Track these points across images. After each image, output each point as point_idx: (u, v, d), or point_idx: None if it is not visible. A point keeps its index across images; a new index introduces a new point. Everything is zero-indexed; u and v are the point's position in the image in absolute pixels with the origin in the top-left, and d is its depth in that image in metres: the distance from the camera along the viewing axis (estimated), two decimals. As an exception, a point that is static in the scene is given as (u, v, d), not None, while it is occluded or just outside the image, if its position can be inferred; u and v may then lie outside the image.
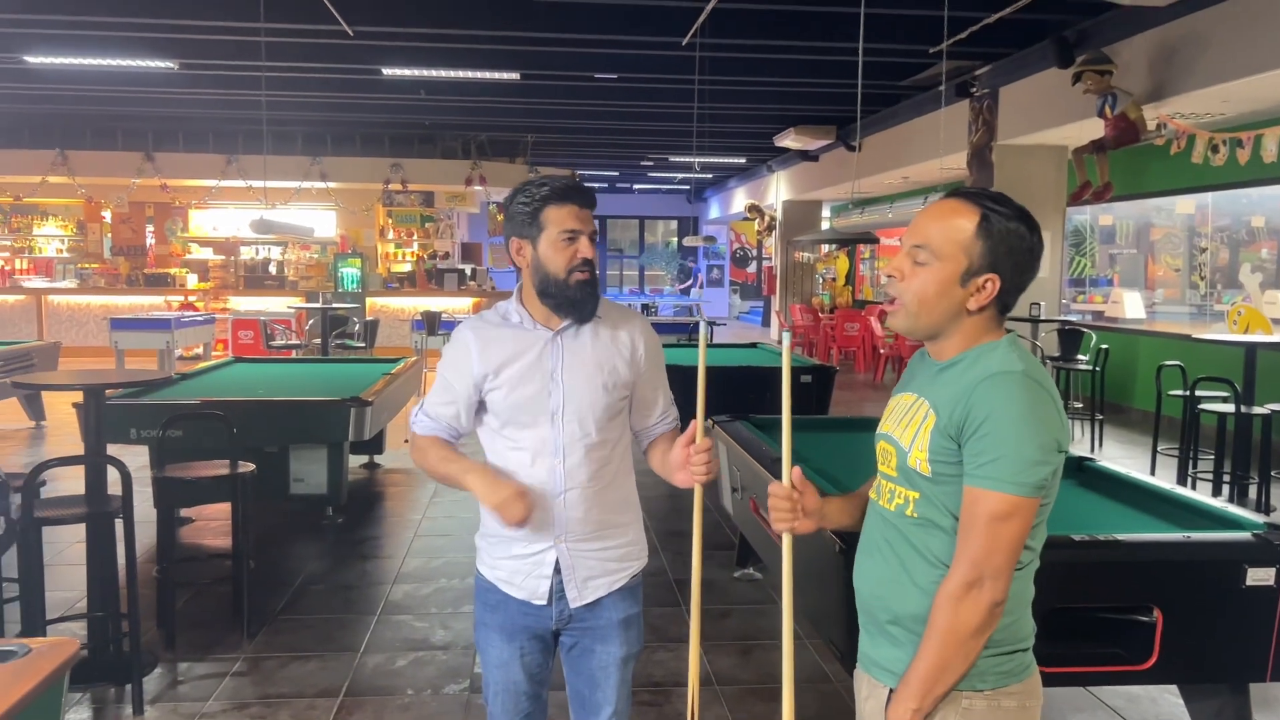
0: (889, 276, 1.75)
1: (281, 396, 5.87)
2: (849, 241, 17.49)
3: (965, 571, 1.61)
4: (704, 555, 5.53)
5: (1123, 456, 8.13)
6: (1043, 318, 9.47)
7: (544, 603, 2.18)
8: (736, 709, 3.63)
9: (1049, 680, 2.91)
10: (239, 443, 4.42)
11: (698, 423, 2.09)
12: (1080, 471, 3.89)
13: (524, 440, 2.16)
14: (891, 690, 1.72)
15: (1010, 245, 1.68)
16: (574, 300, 2.15)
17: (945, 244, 1.68)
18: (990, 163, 10.43)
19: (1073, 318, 11.59)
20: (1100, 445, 8.52)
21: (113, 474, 3.72)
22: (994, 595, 1.61)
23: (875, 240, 16.53)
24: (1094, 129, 8.20)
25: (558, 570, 2.17)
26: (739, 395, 7.22)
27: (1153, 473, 7.21)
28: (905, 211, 15.90)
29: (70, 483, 5.02)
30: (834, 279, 18.80)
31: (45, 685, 1.90)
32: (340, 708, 3.59)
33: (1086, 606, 2.88)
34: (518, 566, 2.19)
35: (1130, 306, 11.24)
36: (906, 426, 1.74)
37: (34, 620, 3.49)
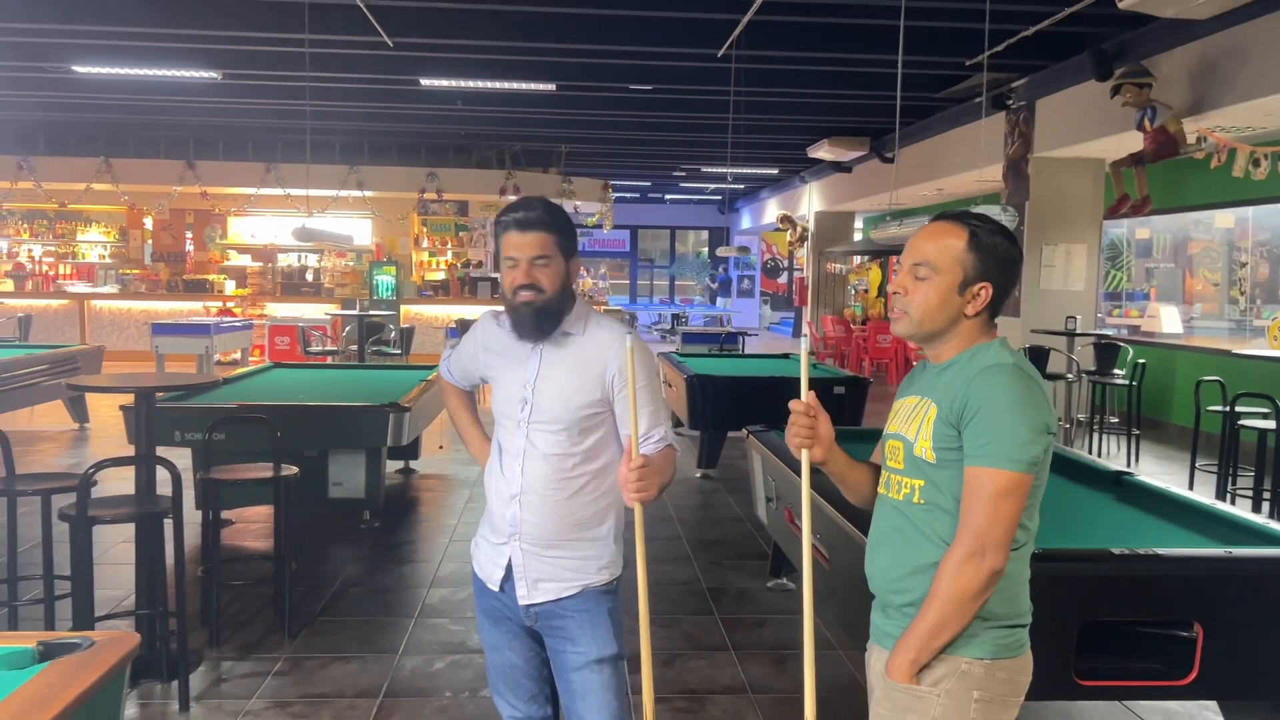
0: (894, 293, 1.98)
1: (321, 402, 5.96)
2: (882, 253, 17.48)
3: (968, 542, 1.81)
4: (736, 565, 5.58)
5: (1160, 472, 8.05)
6: (1079, 331, 9.39)
7: (497, 589, 2.33)
8: (771, 717, 3.65)
9: (1088, 694, 2.92)
10: (280, 447, 4.51)
11: (632, 440, 2.19)
12: (1118, 485, 3.87)
13: (502, 438, 2.36)
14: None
15: (997, 256, 1.93)
16: (521, 320, 2.29)
17: (942, 259, 1.93)
18: (1026, 175, 10.39)
19: (1108, 332, 11.50)
20: (1137, 460, 8.44)
21: (160, 474, 3.82)
22: (994, 564, 1.80)
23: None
24: (1132, 142, 8.15)
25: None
26: (771, 405, 7.24)
27: (1190, 489, 7.14)
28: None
29: (114, 483, 5.13)
30: (866, 290, 18.75)
31: (109, 677, 1.97)
32: (380, 708, 3.64)
33: (1126, 620, 2.87)
34: (487, 553, 2.37)
35: (1167, 321, 11.13)
36: (911, 422, 1.96)
37: (84, 616, 3.58)
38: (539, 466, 2.27)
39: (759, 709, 3.71)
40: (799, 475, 3.91)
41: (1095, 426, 8.85)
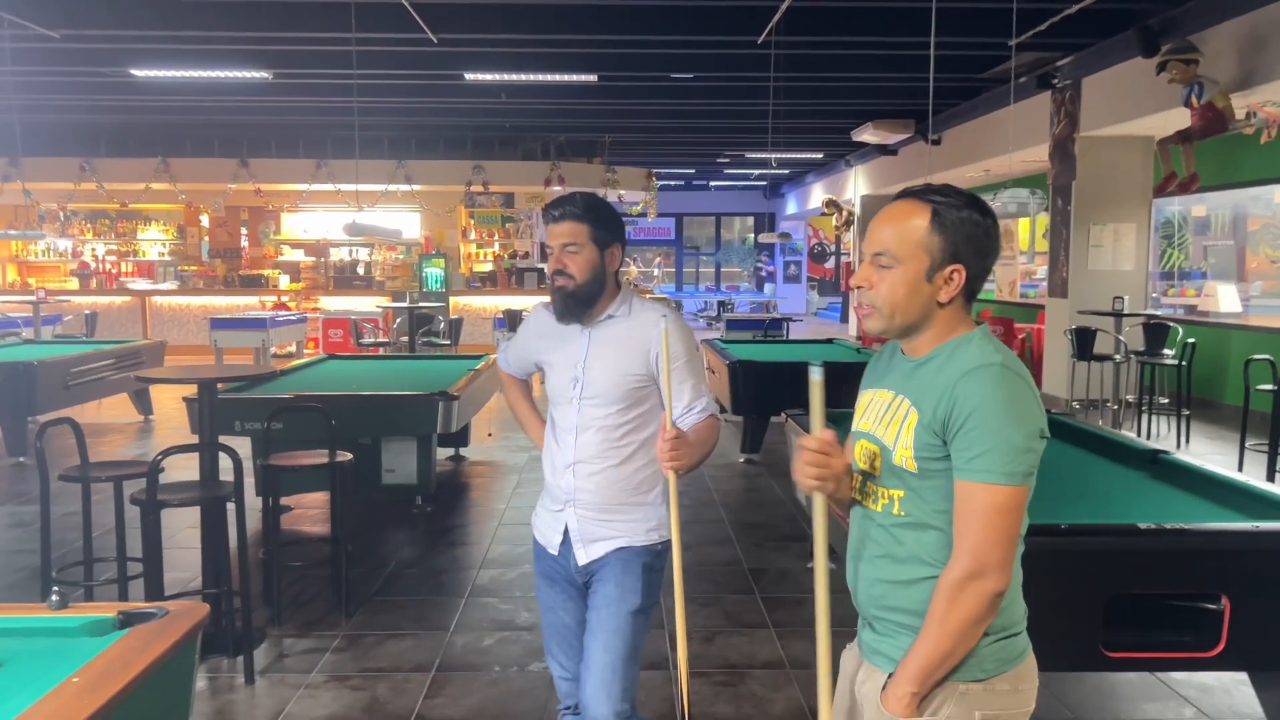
0: (858, 287, 1.79)
1: (373, 391, 6.16)
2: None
3: (967, 563, 1.64)
4: (779, 546, 5.67)
5: (1210, 453, 7.98)
6: (1126, 311, 9.30)
7: (555, 552, 2.53)
8: (807, 691, 3.75)
9: (1118, 665, 2.98)
10: (335, 435, 4.69)
11: (666, 415, 2.34)
12: (1155, 464, 3.90)
13: (556, 415, 2.56)
14: (889, 675, 1.74)
15: (967, 233, 1.72)
16: (556, 303, 2.52)
17: (903, 245, 1.73)
18: (1073, 155, 10.29)
19: (1163, 312, 11.34)
20: (1187, 441, 8.36)
21: (223, 462, 4.02)
22: (997, 585, 1.64)
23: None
24: (1180, 119, 8.05)
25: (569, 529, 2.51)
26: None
27: (1240, 469, 7.08)
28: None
29: (180, 471, 5.36)
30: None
31: (183, 643, 2.14)
32: (433, 682, 3.81)
33: (1152, 594, 2.93)
34: (546, 520, 2.57)
35: (1225, 299, 10.91)
36: (888, 425, 1.77)
37: (155, 595, 3.79)
38: (591, 438, 2.46)
39: (796, 682, 3.81)
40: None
41: (1144, 408, 8.77)
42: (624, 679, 2.42)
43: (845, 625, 1.90)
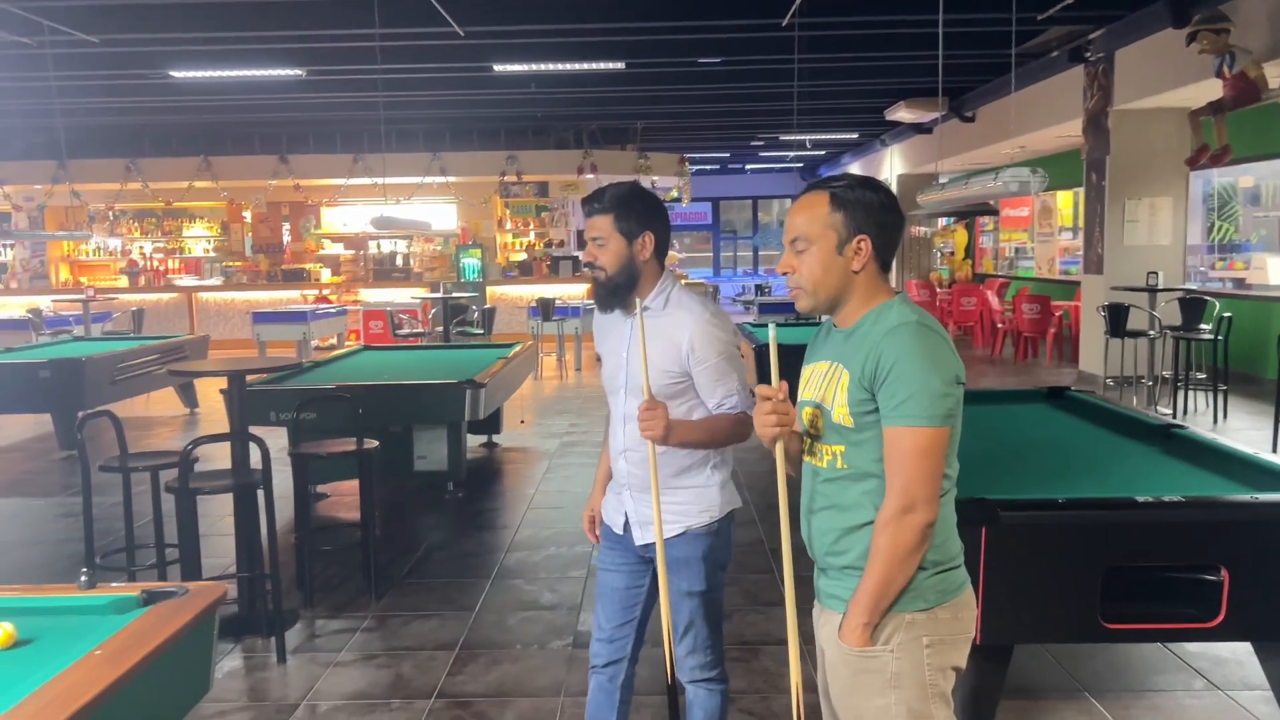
0: (784, 274, 2.02)
1: (403, 380, 6.30)
2: (968, 214, 17.16)
3: (898, 500, 1.86)
4: (791, 526, 5.74)
5: (1246, 428, 7.87)
6: (1160, 287, 9.17)
7: (621, 533, 2.67)
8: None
9: (1115, 637, 3.02)
10: (366, 423, 4.84)
11: (645, 384, 2.41)
12: (1167, 438, 3.90)
13: (611, 403, 2.71)
14: (843, 616, 1.96)
15: (864, 207, 1.95)
16: (594, 294, 2.63)
17: (812, 227, 1.97)
18: (1107, 128, 10.16)
19: (1211, 286, 11.15)
20: (1224, 416, 8.26)
21: (255, 451, 4.17)
22: (926, 517, 1.86)
23: (995, 212, 16.16)
24: (1214, 90, 7.92)
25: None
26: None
27: (1275, 443, 6.99)
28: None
29: (217, 461, 5.55)
30: (952, 253, 18.45)
31: (201, 619, 2.27)
32: (456, 659, 3.94)
33: (1150, 566, 2.96)
34: (611, 502, 2.73)
35: (1275, 272, 10.69)
36: (826, 389, 1.99)
37: (192, 578, 3.96)
38: (636, 427, 2.50)
39: (811, 658, 3.88)
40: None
41: (1180, 383, 8.66)
42: (704, 642, 2.64)
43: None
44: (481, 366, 6.77)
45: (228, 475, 4.21)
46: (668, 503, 2.54)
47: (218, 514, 5.84)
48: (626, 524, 2.65)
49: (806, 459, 2.08)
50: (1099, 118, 10.27)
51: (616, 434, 2.65)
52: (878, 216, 1.96)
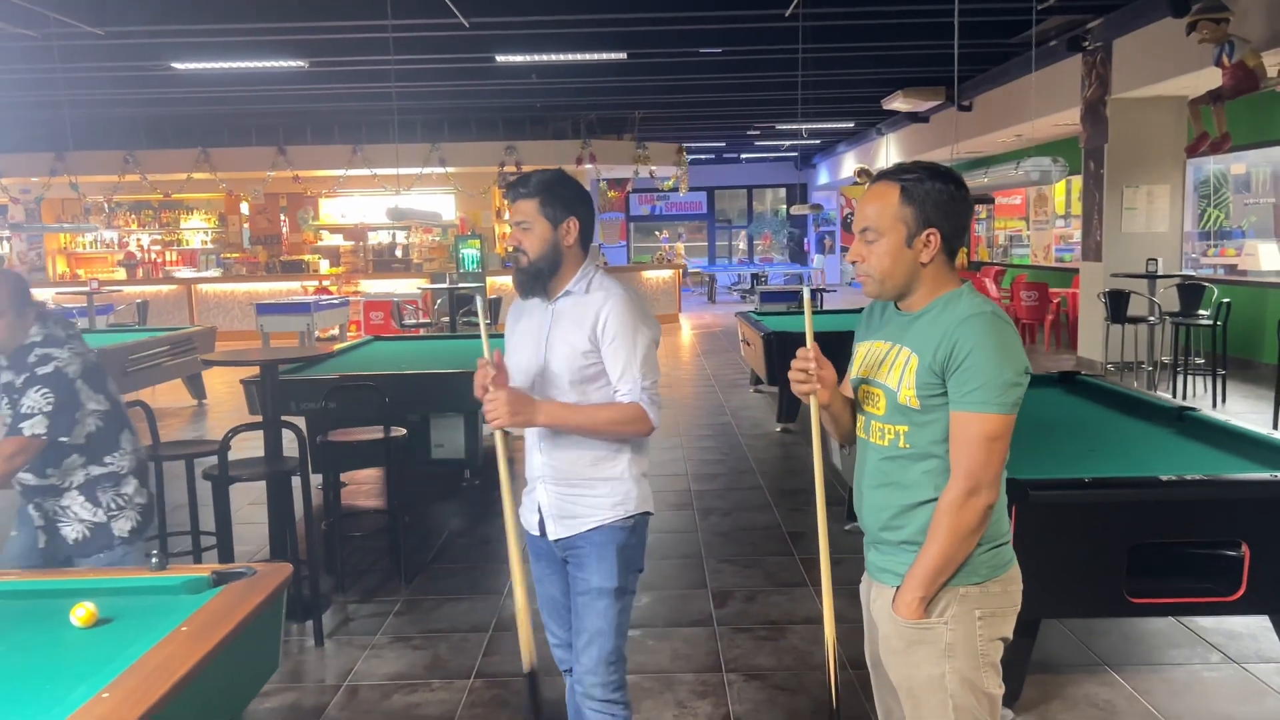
0: (853, 262, 2.08)
1: (420, 370, 6.37)
2: (977, 202, 17.27)
3: (964, 482, 1.94)
4: (815, 509, 5.81)
5: (1246, 411, 8.01)
6: (1160, 273, 9.30)
7: (537, 533, 2.58)
8: (846, 644, 3.90)
9: (1140, 611, 3.13)
10: (385, 413, 4.91)
11: (487, 351, 2.44)
12: (1180, 420, 4.01)
13: (515, 380, 2.56)
14: (896, 589, 2.04)
15: (935, 200, 1.99)
16: (515, 279, 2.56)
17: (882, 219, 2.01)
18: (1105, 117, 10.27)
19: (1204, 272, 11.28)
20: (1224, 400, 8.39)
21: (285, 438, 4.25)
22: (989, 499, 1.95)
23: (991, 200, 16.28)
24: (1213, 79, 8.03)
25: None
26: (848, 358, 7.44)
27: (1275, 426, 7.13)
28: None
29: (241, 450, 5.62)
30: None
31: (274, 597, 2.36)
32: (490, 640, 4.04)
33: (1174, 542, 3.07)
34: (525, 502, 2.63)
35: (1266, 258, 10.83)
36: (889, 370, 2.05)
37: (227, 564, 4.03)
38: None
39: (842, 638, 3.98)
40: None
41: (1179, 368, 8.80)
42: (609, 656, 2.51)
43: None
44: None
45: (261, 463, 4.28)
46: (584, 495, 2.50)
47: (239, 503, 5.90)
48: (542, 523, 2.55)
49: (861, 435, 2.14)
50: (1097, 106, 10.38)
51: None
52: (947, 208, 2.00)
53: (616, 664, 2.53)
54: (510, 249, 2.53)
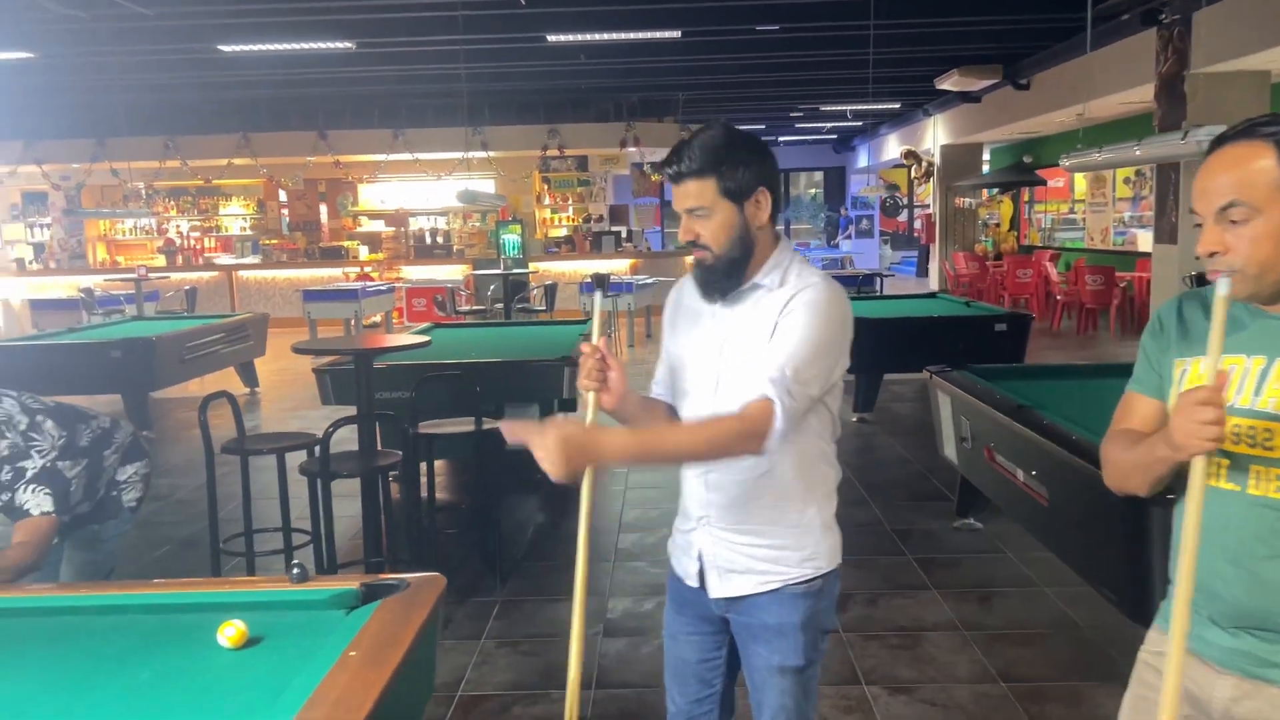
0: (1210, 255, 1.51)
1: (495, 358, 6.14)
2: (1013, 184, 16.88)
3: None
4: (915, 506, 5.57)
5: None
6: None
7: (695, 584, 2.06)
8: (989, 653, 3.66)
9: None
10: (460, 403, 4.67)
11: (596, 324, 2.14)
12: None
13: (686, 411, 2.06)
14: None
15: None
16: (696, 281, 2.03)
17: (1256, 192, 1.46)
18: (1182, 94, 9.86)
19: None
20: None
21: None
22: None
23: (1042, 182, 15.88)
24: (1308, 50, 7.66)
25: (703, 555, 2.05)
26: (933, 345, 7.17)
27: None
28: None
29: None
30: (997, 224, 18.18)
31: (436, 613, 2.13)
32: (602, 645, 3.81)
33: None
34: (678, 541, 2.13)
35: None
36: (1264, 395, 1.49)
37: (328, 565, 3.83)
38: None
39: (975, 645, 3.73)
40: (1007, 416, 3.87)
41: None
42: None
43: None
44: (565, 343, 6.59)
45: (356, 458, 4.06)
46: (760, 545, 1.99)
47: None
48: (701, 573, 2.05)
49: (1227, 486, 1.53)
50: (1174, 82, 9.97)
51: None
52: None
53: None
54: (685, 242, 1.98)
